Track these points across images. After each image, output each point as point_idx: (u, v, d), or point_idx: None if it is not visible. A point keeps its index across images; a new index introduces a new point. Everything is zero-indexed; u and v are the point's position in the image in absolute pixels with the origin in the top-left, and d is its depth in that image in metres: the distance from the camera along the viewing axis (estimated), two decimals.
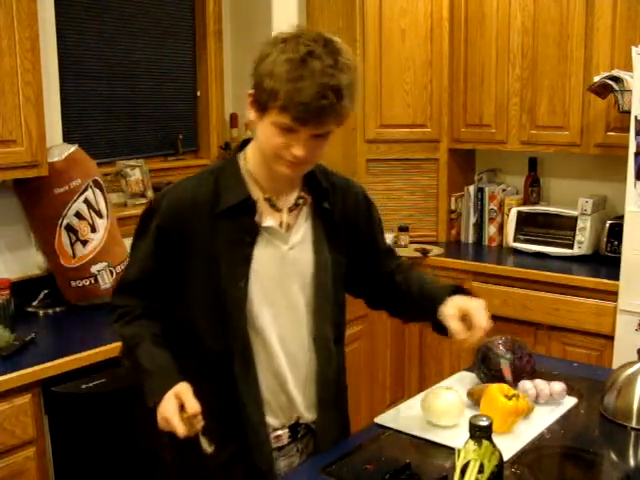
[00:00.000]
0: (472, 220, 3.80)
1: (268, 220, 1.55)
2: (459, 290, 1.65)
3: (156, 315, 1.60)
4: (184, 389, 1.45)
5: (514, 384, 1.78)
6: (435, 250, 3.62)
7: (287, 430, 1.62)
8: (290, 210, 1.58)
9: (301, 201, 1.59)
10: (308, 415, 1.63)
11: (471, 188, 3.79)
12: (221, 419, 1.55)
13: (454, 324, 1.55)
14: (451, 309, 1.57)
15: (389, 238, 3.52)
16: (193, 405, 1.42)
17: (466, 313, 1.56)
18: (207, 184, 1.54)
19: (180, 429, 1.40)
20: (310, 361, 1.62)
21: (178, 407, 1.43)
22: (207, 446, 1.43)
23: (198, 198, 1.53)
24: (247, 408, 1.55)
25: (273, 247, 1.55)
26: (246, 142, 1.61)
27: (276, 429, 1.60)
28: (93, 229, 2.72)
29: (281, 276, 1.56)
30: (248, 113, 1.48)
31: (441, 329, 1.61)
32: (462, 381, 1.91)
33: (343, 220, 1.65)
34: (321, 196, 1.61)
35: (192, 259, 1.53)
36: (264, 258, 1.54)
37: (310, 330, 1.61)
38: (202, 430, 1.43)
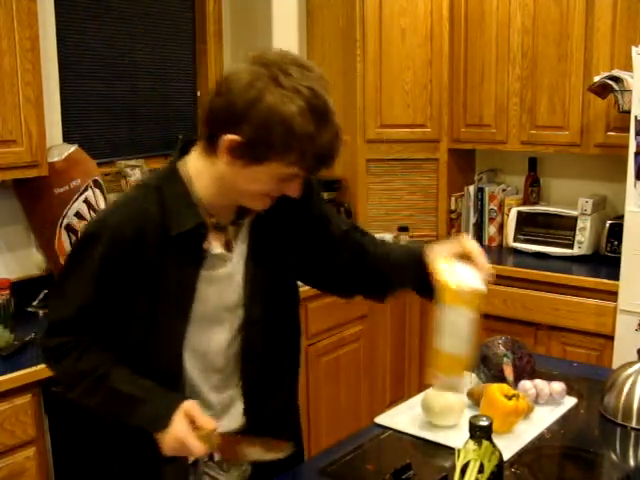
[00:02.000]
0: (472, 220, 3.80)
1: (216, 247, 1.43)
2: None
3: (102, 347, 1.45)
4: (192, 406, 1.38)
5: (514, 384, 1.78)
6: None
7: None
8: (232, 224, 1.47)
9: (242, 213, 1.47)
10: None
11: (471, 188, 3.79)
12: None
13: (436, 266, 1.40)
14: (439, 257, 1.42)
15: (388, 238, 3.52)
16: (208, 420, 1.36)
17: (460, 257, 1.41)
18: (151, 205, 1.38)
19: (198, 447, 1.34)
20: (239, 375, 1.52)
21: (190, 426, 1.35)
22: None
23: (143, 223, 1.37)
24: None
25: (216, 268, 1.44)
26: (185, 146, 1.45)
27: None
28: None
29: (222, 295, 1.46)
30: (220, 155, 1.31)
31: (426, 289, 1.45)
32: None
33: (285, 216, 1.50)
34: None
35: (134, 290, 1.39)
36: (209, 282, 1.43)
37: (239, 344, 1.50)
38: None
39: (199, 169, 1.40)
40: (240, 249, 1.48)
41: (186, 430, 1.34)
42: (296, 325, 1.62)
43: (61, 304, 1.45)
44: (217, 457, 1.45)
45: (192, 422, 1.36)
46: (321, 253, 1.59)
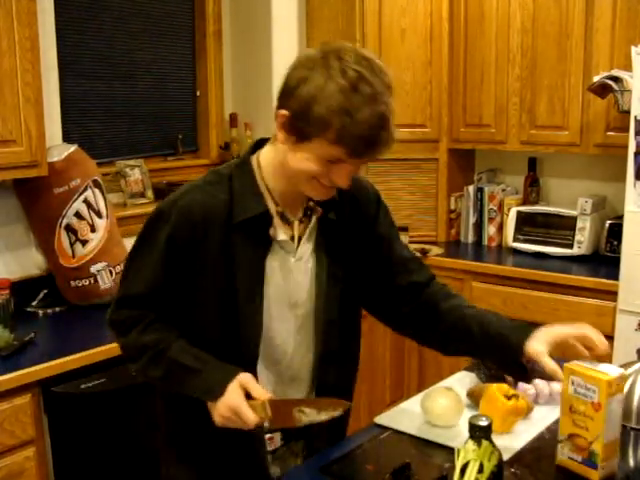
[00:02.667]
0: (472, 220, 3.80)
1: (281, 234, 1.48)
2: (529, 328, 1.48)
3: (167, 324, 1.51)
4: (248, 378, 1.41)
5: (514, 384, 1.78)
6: (435, 250, 3.62)
7: (279, 433, 1.58)
8: (300, 222, 1.51)
9: (309, 212, 1.52)
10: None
11: (471, 188, 3.79)
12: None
13: (548, 362, 1.39)
14: (541, 345, 1.41)
15: None
16: (262, 392, 1.39)
17: (560, 342, 1.42)
18: (221, 192, 1.45)
19: (251, 417, 1.36)
20: (312, 378, 1.59)
21: (244, 396, 1.38)
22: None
23: (211, 208, 1.43)
24: None
25: (283, 260, 1.50)
26: (259, 143, 1.52)
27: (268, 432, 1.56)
28: (93, 229, 2.72)
29: (289, 290, 1.51)
30: (277, 132, 1.39)
31: (519, 369, 1.46)
32: (462, 381, 1.91)
33: (353, 227, 1.57)
34: (328, 206, 1.52)
35: (203, 272, 1.45)
36: (275, 272, 1.49)
37: (314, 345, 1.56)
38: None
39: (268, 159, 1.47)
40: (306, 247, 1.52)
41: (240, 399, 1.37)
42: (358, 329, 1.66)
43: (129, 280, 1.50)
44: (267, 424, 1.43)
45: (247, 394, 1.38)
46: (382, 269, 1.60)
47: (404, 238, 3.60)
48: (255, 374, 1.48)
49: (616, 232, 3.19)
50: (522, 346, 1.43)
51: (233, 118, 3.65)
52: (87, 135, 3.09)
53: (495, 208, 3.74)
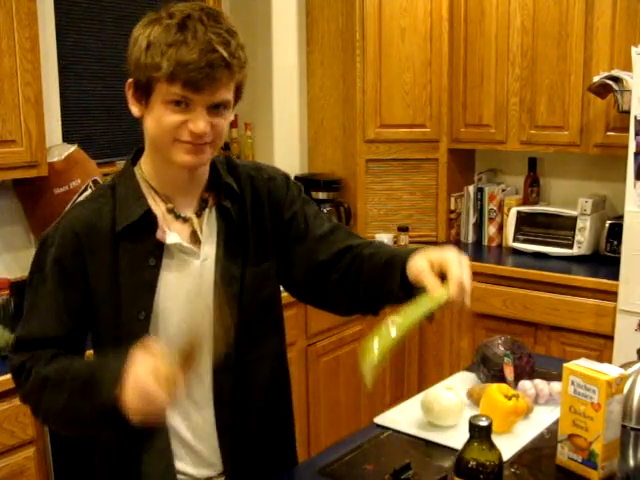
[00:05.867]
0: (472, 220, 3.80)
1: (172, 236, 1.36)
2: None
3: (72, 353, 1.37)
4: (140, 350, 1.20)
5: (514, 384, 1.78)
6: None
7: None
8: (198, 215, 1.41)
9: (205, 204, 1.42)
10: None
11: (471, 188, 3.79)
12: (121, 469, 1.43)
13: (427, 277, 1.27)
14: (421, 262, 1.29)
15: (388, 238, 3.52)
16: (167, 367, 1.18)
17: (441, 266, 1.29)
18: (104, 204, 1.36)
19: (161, 394, 1.16)
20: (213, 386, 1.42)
21: (151, 370, 1.16)
22: None
23: (95, 222, 1.34)
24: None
25: (184, 264, 1.37)
26: (140, 150, 1.46)
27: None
28: None
29: (196, 294, 1.37)
30: (131, 108, 1.36)
31: (407, 293, 1.32)
32: (462, 381, 1.91)
33: (256, 214, 1.44)
34: (224, 195, 1.41)
35: (95, 291, 1.34)
36: (173, 280, 1.36)
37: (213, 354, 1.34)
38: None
39: (146, 158, 1.42)
40: (210, 246, 1.40)
41: (143, 378, 1.16)
42: (276, 326, 1.52)
43: (27, 320, 1.38)
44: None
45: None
46: (299, 257, 1.49)
47: (404, 238, 3.61)
48: None
49: (616, 232, 3.19)
50: (405, 263, 1.33)
51: (233, 118, 3.65)
52: (87, 135, 3.09)
53: (495, 208, 3.74)
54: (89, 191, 2.71)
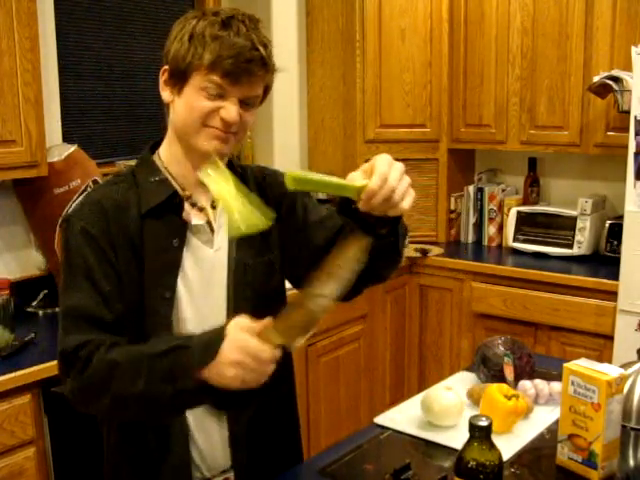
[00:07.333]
0: (472, 220, 3.80)
1: (195, 218, 1.42)
2: None
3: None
4: (242, 320, 1.22)
5: (514, 384, 1.78)
6: (435, 250, 3.62)
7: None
8: (213, 207, 1.45)
9: None
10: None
11: (471, 188, 3.79)
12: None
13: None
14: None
15: None
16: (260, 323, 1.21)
17: (371, 168, 1.37)
18: (127, 187, 1.41)
19: (264, 348, 1.19)
20: None
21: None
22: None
23: (121, 202, 1.39)
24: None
25: (200, 250, 1.42)
26: (155, 144, 1.49)
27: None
28: None
29: (207, 282, 1.43)
30: (162, 93, 1.40)
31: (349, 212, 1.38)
32: (462, 381, 1.91)
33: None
34: None
35: (120, 267, 1.36)
36: (191, 263, 1.41)
37: None
38: None
39: (165, 148, 1.46)
40: (223, 237, 1.45)
41: (244, 335, 1.18)
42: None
43: (69, 296, 1.38)
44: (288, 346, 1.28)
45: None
46: (301, 246, 1.52)
47: None
48: None
49: (616, 232, 3.19)
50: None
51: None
52: (87, 135, 3.09)
53: (495, 208, 3.74)
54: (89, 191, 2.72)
